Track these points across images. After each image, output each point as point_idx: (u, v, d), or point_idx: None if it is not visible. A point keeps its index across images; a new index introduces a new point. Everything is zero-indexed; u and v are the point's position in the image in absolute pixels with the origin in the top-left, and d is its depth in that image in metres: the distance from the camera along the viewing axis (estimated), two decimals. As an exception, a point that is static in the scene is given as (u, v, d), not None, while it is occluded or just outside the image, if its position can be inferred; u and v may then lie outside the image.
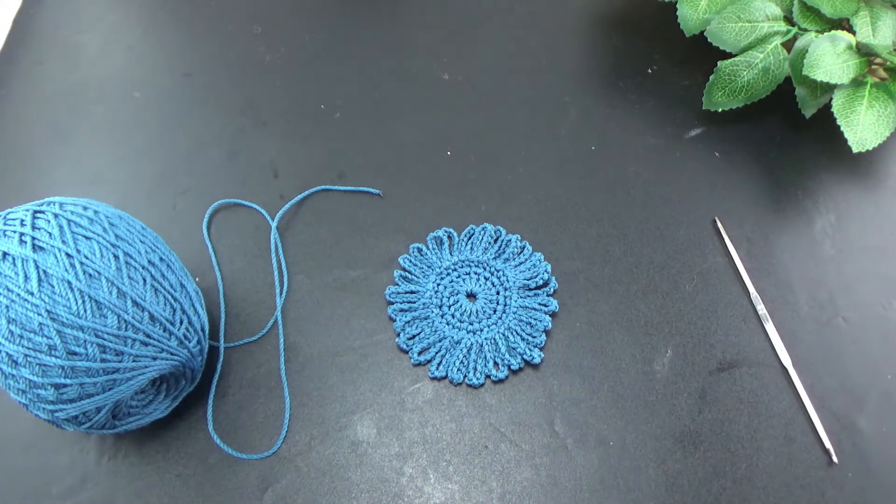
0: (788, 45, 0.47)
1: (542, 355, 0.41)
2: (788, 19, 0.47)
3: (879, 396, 0.40)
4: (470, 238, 0.45)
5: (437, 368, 0.41)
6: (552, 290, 0.43)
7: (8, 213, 0.34)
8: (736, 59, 0.47)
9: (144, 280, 0.34)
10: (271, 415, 0.40)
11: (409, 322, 0.42)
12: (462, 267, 0.44)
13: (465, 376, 0.40)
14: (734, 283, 0.44)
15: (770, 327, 0.42)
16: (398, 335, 0.42)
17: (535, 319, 0.42)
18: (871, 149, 0.44)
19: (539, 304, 0.42)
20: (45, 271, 0.31)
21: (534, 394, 0.40)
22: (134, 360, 0.32)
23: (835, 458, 0.38)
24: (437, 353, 0.41)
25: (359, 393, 0.40)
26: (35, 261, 0.31)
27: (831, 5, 0.45)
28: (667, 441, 0.38)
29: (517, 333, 0.41)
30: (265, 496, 0.37)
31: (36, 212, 0.34)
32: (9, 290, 0.31)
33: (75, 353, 0.31)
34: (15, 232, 0.32)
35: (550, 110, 0.52)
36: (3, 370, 0.31)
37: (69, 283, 0.31)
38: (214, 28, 0.57)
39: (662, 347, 0.41)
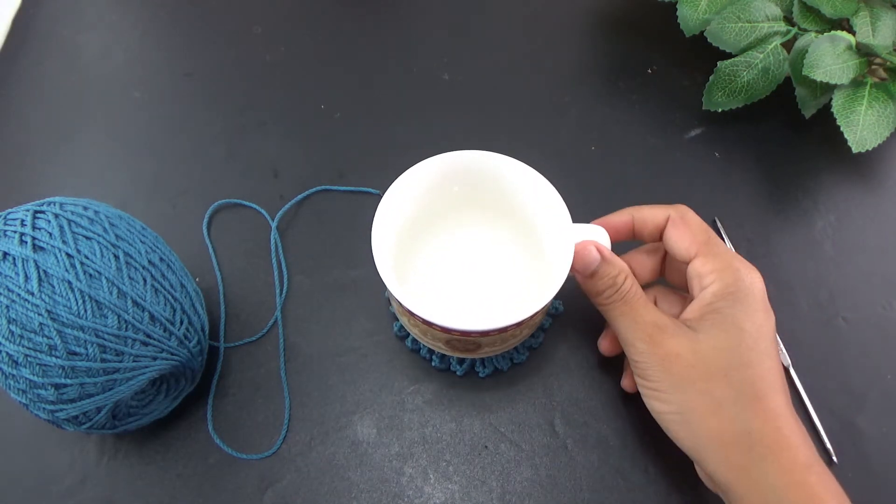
0: (788, 45, 0.47)
1: (551, 319, 0.41)
2: (788, 19, 0.48)
3: (879, 396, 0.40)
4: (469, 238, 0.46)
5: (441, 361, 0.40)
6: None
7: (8, 213, 0.34)
8: (736, 59, 0.47)
9: (145, 280, 0.34)
10: (271, 415, 0.40)
11: None
12: (461, 267, 0.45)
13: (494, 366, 0.41)
14: (734, 283, 0.44)
15: (770, 327, 0.42)
16: (405, 338, 0.42)
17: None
18: (871, 149, 0.44)
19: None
20: (45, 271, 0.31)
21: (534, 394, 0.40)
22: (134, 360, 0.32)
23: (835, 458, 0.38)
24: None
25: (359, 393, 0.40)
26: (35, 261, 0.31)
27: (831, 5, 0.46)
28: (667, 441, 0.38)
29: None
30: (265, 496, 0.37)
31: (36, 212, 0.34)
32: (9, 290, 0.31)
33: (75, 353, 0.31)
34: (15, 232, 0.32)
35: (550, 110, 0.52)
36: (3, 370, 0.31)
37: (69, 283, 0.31)
38: (214, 28, 0.57)
39: (662, 347, 0.41)
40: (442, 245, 0.42)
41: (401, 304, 0.34)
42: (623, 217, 0.37)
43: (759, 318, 0.32)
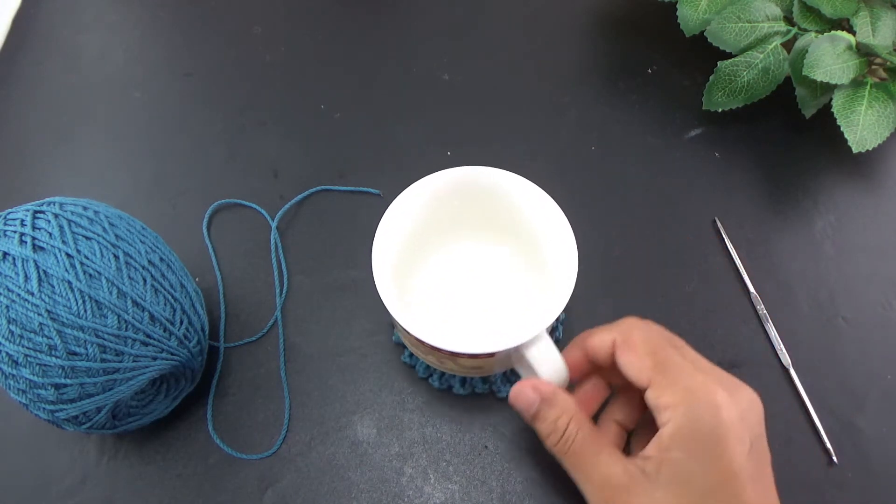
0: (788, 45, 0.47)
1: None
2: (788, 19, 0.48)
3: (879, 396, 0.40)
4: (469, 238, 0.46)
5: (440, 381, 0.40)
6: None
7: (8, 213, 0.34)
8: (736, 59, 0.47)
9: (144, 280, 0.34)
10: (271, 415, 0.40)
11: None
12: (461, 267, 0.44)
13: (474, 388, 0.40)
14: (734, 283, 0.44)
15: (770, 327, 0.42)
16: (403, 352, 0.41)
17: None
18: (871, 149, 0.44)
19: (538, 304, 0.43)
20: (45, 271, 0.31)
21: (534, 394, 0.40)
22: (134, 361, 0.32)
23: (835, 458, 0.38)
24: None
25: (359, 393, 0.40)
26: (35, 261, 0.31)
27: (831, 5, 0.46)
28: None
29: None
30: (265, 496, 0.37)
31: (36, 212, 0.34)
32: (9, 290, 0.31)
33: (75, 353, 0.31)
34: (15, 232, 0.32)
35: (550, 110, 0.52)
36: (3, 370, 0.31)
37: (69, 283, 0.31)
38: (214, 28, 0.57)
39: (662, 347, 0.41)
40: (445, 258, 0.41)
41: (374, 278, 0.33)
42: (574, 353, 0.34)
43: (720, 465, 0.29)
